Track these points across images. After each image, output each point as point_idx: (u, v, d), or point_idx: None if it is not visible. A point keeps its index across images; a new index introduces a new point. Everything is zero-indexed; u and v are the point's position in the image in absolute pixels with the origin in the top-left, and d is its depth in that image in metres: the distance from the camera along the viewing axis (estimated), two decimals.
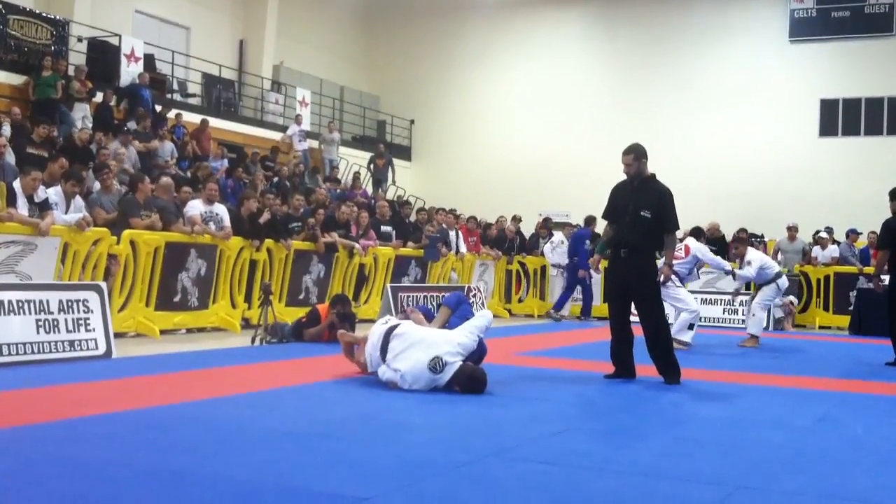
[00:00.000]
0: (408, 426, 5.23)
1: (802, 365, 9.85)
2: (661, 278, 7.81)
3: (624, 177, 7.76)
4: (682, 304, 10.83)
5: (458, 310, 7.29)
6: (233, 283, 11.54)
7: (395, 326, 6.74)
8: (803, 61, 25.08)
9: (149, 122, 16.55)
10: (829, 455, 4.87)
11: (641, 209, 7.51)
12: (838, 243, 17.77)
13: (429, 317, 7.60)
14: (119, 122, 16.82)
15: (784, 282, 12.28)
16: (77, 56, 18.52)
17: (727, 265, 12.10)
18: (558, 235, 17.22)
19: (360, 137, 27.24)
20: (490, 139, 27.77)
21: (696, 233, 12.15)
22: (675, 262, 10.23)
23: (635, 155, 7.58)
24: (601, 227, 9.02)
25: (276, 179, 18.07)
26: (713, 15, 25.90)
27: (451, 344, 6.52)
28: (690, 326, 10.86)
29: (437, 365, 6.38)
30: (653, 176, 7.70)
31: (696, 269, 11.89)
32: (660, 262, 8.16)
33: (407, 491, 3.77)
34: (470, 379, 6.43)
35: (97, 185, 11.72)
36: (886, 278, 10.43)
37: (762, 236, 20.38)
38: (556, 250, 16.93)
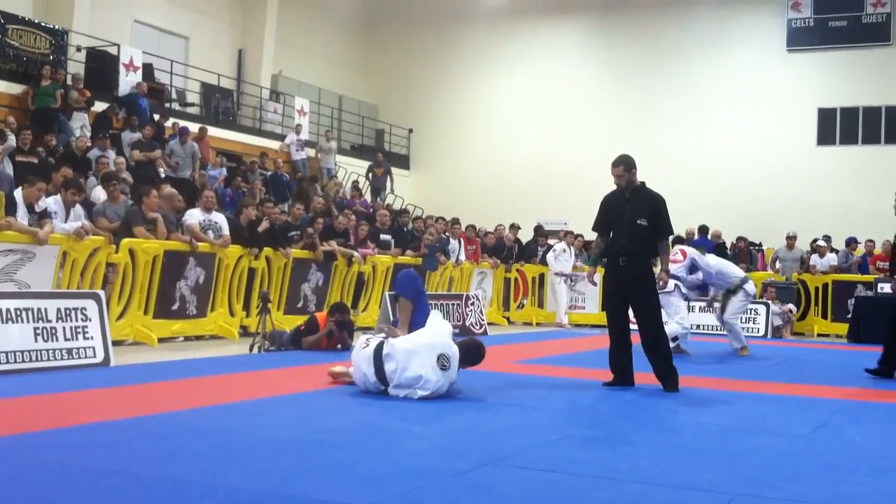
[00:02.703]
0: (406, 434, 5.23)
1: (801, 373, 9.85)
2: (660, 284, 7.81)
3: (613, 187, 7.82)
4: (677, 317, 10.76)
5: (419, 301, 7.27)
6: (231, 291, 11.54)
7: (379, 348, 6.59)
8: (801, 70, 25.15)
9: (150, 131, 16.59)
10: (828, 463, 4.87)
11: (638, 217, 7.56)
12: (836, 251, 17.80)
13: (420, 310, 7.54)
14: (117, 132, 16.85)
15: (751, 287, 11.60)
16: (76, 65, 18.55)
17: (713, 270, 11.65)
18: (560, 244, 17.16)
19: (358, 146, 27.26)
20: (488, 148, 27.79)
21: (680, 240, 12.11)
22: (672, 265, 10.22)
23: (625, 166, 7.63)
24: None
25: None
26: (712, 24, 25.98)
27: (442, 336, 6.67)
28: (673, 339, 10.18)
29: (444, 364, 6.48)
30: (643, 184, 7.75)
31: (687, 288, 11.56)
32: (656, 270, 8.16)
33: (405, 499, 3.76)
34: (469, 352, 6.77)
35: (100, 196, 11.72)
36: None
37: (760, 244, 20.40)
38: (558, 258, 16.87)
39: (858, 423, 6.29)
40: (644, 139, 24.72)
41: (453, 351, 6.63)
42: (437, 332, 6.72)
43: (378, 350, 6.57)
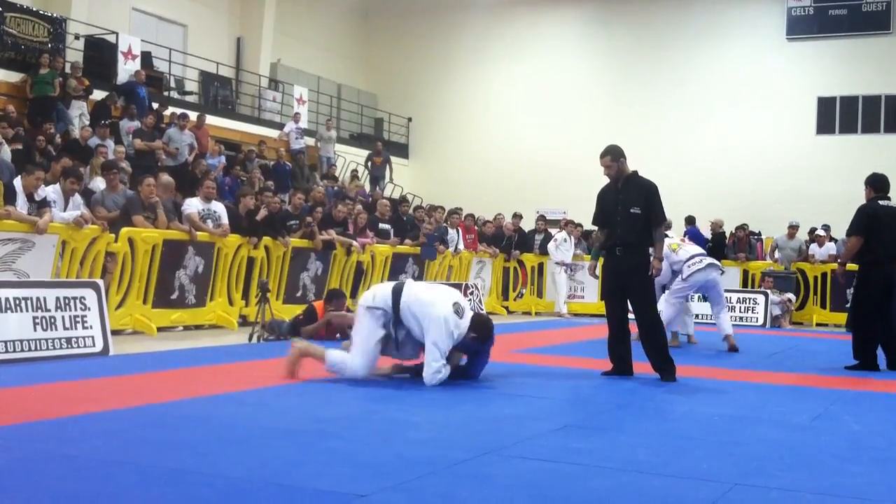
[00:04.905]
0: (405, 424, 5.23)
1: (799, 362, 9.85)
2: (653, 273, 7.79)
3: (607, 180, 7.81)
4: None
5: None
6: (230, 280, 11.53)
7: (398, 288, 6.78)
8: (801, 59, 25.10)
9: (151, 121, 16.55)
10: (826, 452, 4.87)
11: (631, 206, 7.55)
12: (835, 240, 17.77)
13: None
14: (115, 120, 16.82)
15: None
16: (74, 54, 18.50)
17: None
18: (561, 234, 17.12)
19: (357, 135, 27.23)
20: (488, 137, 27.76)
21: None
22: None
23: (612, 156, 7.62)
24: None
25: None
26: (711, 13, 25.92)
27: (453, 291, 7.00)
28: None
29: (458, 309, 6.70)
30: (635, 173, 7.73)
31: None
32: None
33: (405, 489, 3.77)
34: (483, 325, 6.86)
35: (100, 184, 11.69)
36: None
37: (759, 234, 20.37)
38: (559, 248, 16.81)
39: (857, 413, 6.30)
40: (643, 129, 24.69)
41: (466, 308, 6.85)
42: (447, 289, 7.03)
43: (397, 295, 6.71)
